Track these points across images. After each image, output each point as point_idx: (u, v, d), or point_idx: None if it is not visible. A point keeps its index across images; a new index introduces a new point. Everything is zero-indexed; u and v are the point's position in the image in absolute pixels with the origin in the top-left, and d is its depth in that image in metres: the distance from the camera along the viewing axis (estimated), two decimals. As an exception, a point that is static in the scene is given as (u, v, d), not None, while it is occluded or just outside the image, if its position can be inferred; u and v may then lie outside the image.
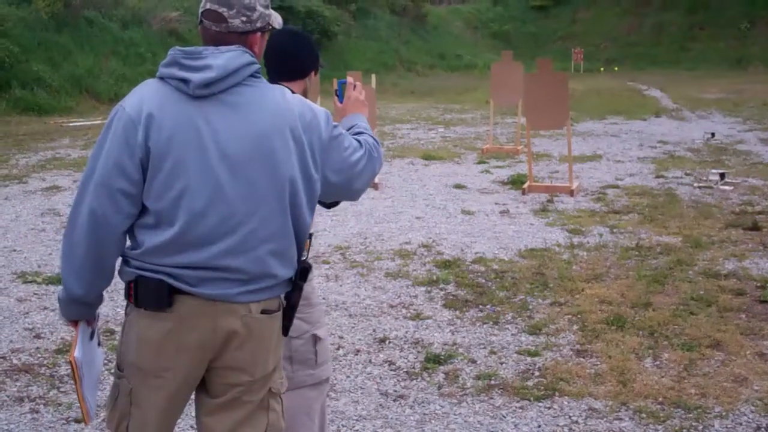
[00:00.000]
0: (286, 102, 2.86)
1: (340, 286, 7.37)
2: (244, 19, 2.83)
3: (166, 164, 2.70)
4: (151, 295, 2.77)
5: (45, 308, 6.61)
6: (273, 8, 3.01)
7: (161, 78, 2.79)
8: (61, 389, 5.19)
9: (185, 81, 2.72)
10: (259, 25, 2.88)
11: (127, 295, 2.83)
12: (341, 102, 3.46)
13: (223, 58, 2.75)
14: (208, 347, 2.81)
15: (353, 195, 3.16)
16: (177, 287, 2.76)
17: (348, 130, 3.17)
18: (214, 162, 2.72)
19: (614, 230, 9.35)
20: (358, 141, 3.11)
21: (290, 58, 3.58)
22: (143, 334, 2.81)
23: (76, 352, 2.92)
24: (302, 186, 2.85)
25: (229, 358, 2.84)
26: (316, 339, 3.67)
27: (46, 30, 24.25)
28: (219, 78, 2.73)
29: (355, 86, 3.46)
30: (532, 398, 5.10)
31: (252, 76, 2.82)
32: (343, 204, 10.24)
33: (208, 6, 2.84)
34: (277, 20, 3.01)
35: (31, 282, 7.37)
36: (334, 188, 3.03)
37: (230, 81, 2.76)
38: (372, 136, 3.21)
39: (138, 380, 2.85)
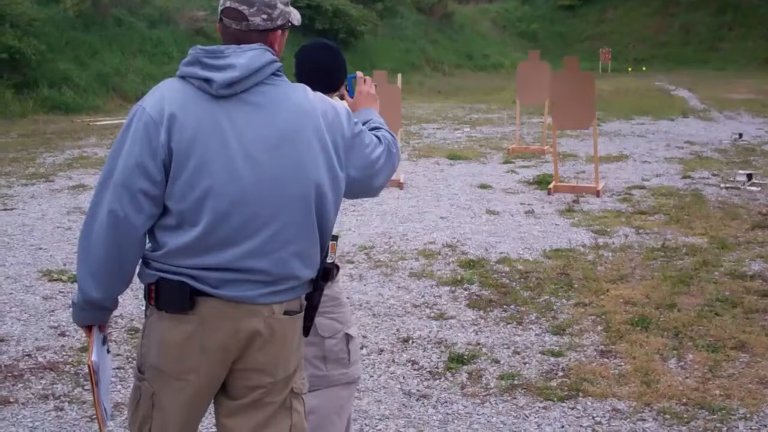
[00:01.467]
0: (309, 101, 2.84)
1: (364, 285, 7.37)
2: (265, 17, 2.80)
3: (189, 165, 2.67)
4: (172, 297, 2.74)
5: (70, 306, 6.61)
6: (300, 7, 2.99)
7: (182, 77, 2.76)
8: (86, 387, 5.21)
9: (208, 81, 2.70)
10: (279, 22, 2.85)
11: (147, 298, 2.80)
12: (351, 96, 3.45)
13: (246, 57, 2.72)
14: (230, 349, 2.78)
15: (373, 191, 3.14)
16: (199, 289, 2.72)
17: (363, 125, 3.13)
18: (238, 162, 2.69)
19: (640, 231, 9.29)
20: (377, 137, 3.10)
21: (324, 73, 3.57)
22: (165, 337, 2.78)
23: (93, 356, 2.90)
24: (329, 186, 2.83)
25: (252, 360, 2.82)
26: (348, 338, 3.68)
27: (74, 29, 24.34)
28: (242, 77, 2.70)
29: (365, 80, 3.46)
30: (555, 398, 5.09)
31: (274, 74, 2.79)
32: (368, 203, 10.38)
33: (228, 4, 2.81)
34: (296, 17, 2.98)
35: (56, 280, 7.42)
36: (355, 185, 3.01)
37: (253, 80, 2.73)
38: (388, 131, 3.20)
39: (160, 383, 2.83)
